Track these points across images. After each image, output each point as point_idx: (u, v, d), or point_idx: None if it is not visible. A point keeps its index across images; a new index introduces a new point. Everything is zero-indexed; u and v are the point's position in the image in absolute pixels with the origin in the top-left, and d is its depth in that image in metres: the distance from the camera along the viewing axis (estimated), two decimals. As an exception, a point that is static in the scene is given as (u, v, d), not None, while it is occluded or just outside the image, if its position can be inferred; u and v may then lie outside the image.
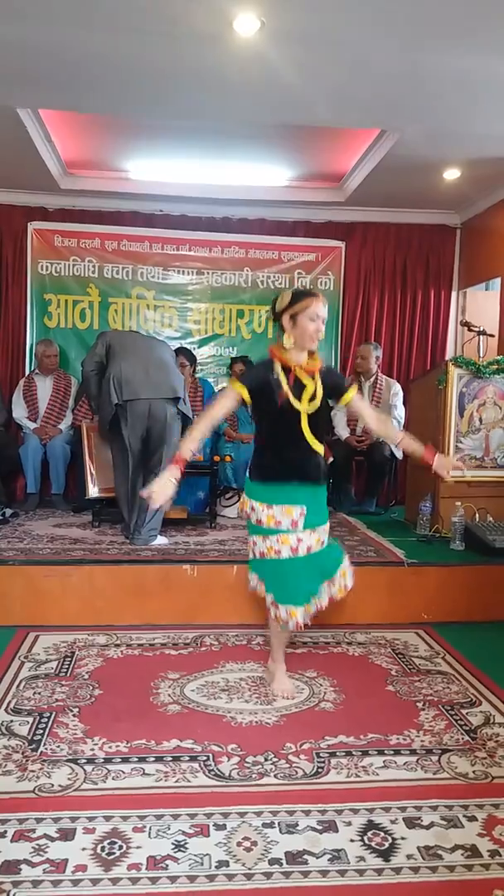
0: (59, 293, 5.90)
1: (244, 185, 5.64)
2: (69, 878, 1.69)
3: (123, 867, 1.73)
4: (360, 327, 6.16)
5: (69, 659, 3.04)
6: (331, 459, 4.93)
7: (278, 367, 2.60)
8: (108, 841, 1.82)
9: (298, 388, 2.60)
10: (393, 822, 1.94)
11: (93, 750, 2.29)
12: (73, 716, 2.52)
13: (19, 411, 5.47)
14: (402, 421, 5.32)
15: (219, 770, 2.19)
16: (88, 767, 2.18)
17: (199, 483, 5.02)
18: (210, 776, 2.15)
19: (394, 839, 1.86)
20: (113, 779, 2.12)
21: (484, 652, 3.25)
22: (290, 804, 2.00)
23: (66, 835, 1.84)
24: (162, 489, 2.50)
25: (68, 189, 5.61)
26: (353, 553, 3.92)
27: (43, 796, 2.02)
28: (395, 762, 2.27)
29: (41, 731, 2.40)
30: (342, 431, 5.37)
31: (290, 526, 2.61)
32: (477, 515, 4.24)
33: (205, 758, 2.26)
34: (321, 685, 2.85)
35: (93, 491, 4.48)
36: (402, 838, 1.86)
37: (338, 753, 2.31)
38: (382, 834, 1.88)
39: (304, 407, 2.58)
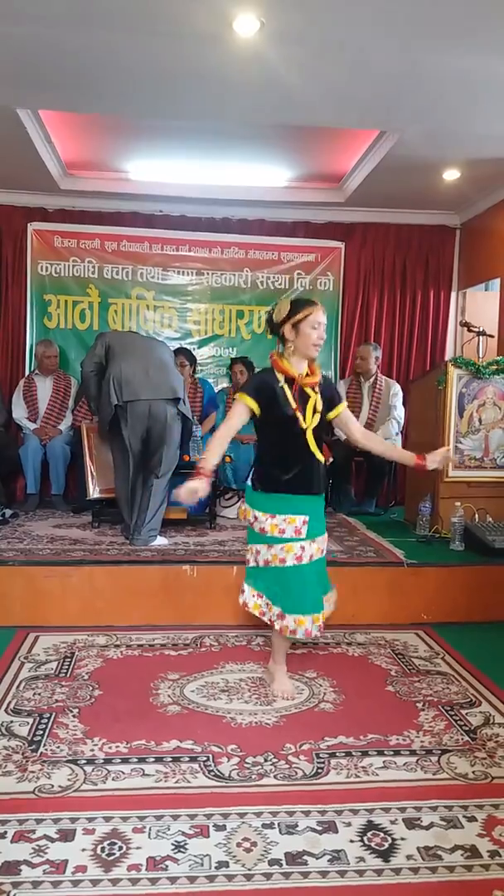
0: (58, 294, 5.90)
1: (244, 185, 5.64)
2: (69, 878, 1.69)
3: (123, 868, 1.73)
4: (359, 328, 6.16)
5: (69, 659, 3.04)
6: (330, 460, 4.93)
7: (281, 378, 2.59)
8: (108, 842, 1.82)
9: (303, 400, 2.60)
10: (392, 822, 1.94)
11: (93, 751, 2.29)
12: (73, 716, 2.52)
13: (19, 412, 5.47)
14: (402, 422, 5.33)
15: (218, 771, 2.19)
16: (88, 768, 2.18)
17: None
18: (210, 777, 2.15)
19: (393, 840, 1.86)
20: (113, 779, 2.12)
21: (484, 652, 3.25)
22: (289, 805, 2.00)
23: (66, 835, 1.84)
24: (190, 493, 2.50)
25: (68, 190, 5.61)
26: (353, 553, 3.93)
27: (43, 797, 2.02)
28: (395, 763, 2.27)
29: (41, 732, 2.40)
30: (341, 432, 5.36)
31: (293, 534, 2.61)
32: (476, 516, 4.24)
33: (204, 758, 2.26)
34: (321, 686, 2.85)
35: (93, 492, 4.48)
36: (402, 839, 1.86)
37: (337, 754, 2.31)
38: (382, 834, 1.88)
39: (309, 419, 2.58)
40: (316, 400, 2.61)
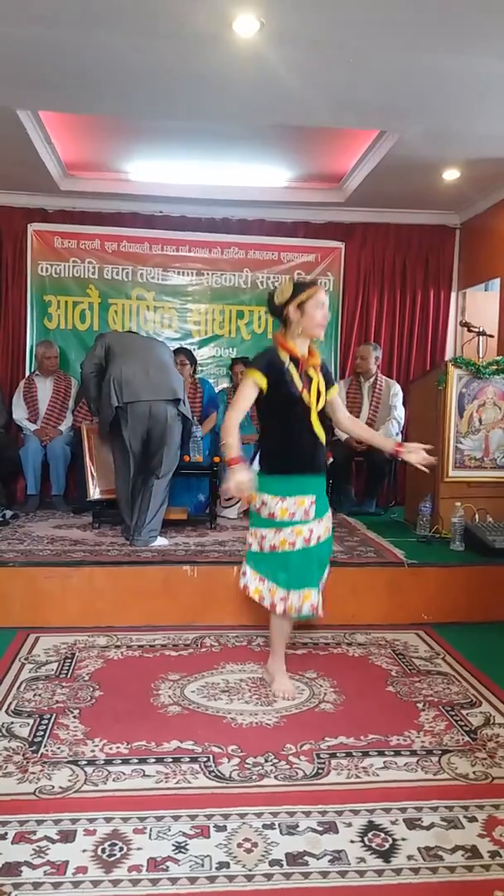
0: (58, 294, 5.90)
1: (244, 185, 5.64)
2: (70, 879, 1.69)
3: (124, 869, 1.73)
4: (359, 328, 6.16)
5: (69, 660, 3.04)
6: (331, 460, 4.93)
7: (287, 359, 2.61)
8: (109, 842, 1.83)
9: (307, 380, 2.63)
10: (393, 822, 1.94)
11: (93, 751, 2.29)
12: (74, 717, 2.52)
13: (19, 413, 5.46)
14: (402, 422, 5.33)
15: (219, 771, 2.19)
16: (89, 769, 2.18)
17: (198, 484, 5.02)
18: (210, 777, 2.15)
19: (394, 840, 1.86)
20: (113, 780, 2.12)
21: (484, 652, 3.25)
22: (290, 805, 2.00)
23: (67, 836, 1.85)
24: (239, 486, 2.49)
25: (68, 190, 5.61)
26: (354, 553, 3.93)
27: (43, 798, 2.02)
28: (396, 763, 2.27)
29: (42, 733, 2.40)
30: (342, 433, 5.36)
31: (303, 516, 2.62)
32: (477, 516, 4.24)
33: (205, 759, 2.26)
34: (321, 686, 2.85)
35: (93, 492, 4.48)
36: (403, 839, 1.86)
37: (338, 754, 2.31)
38: (383, 835, 1.88)
39: (314, 399, 2.62)
40: (319, 381, 2.65)
